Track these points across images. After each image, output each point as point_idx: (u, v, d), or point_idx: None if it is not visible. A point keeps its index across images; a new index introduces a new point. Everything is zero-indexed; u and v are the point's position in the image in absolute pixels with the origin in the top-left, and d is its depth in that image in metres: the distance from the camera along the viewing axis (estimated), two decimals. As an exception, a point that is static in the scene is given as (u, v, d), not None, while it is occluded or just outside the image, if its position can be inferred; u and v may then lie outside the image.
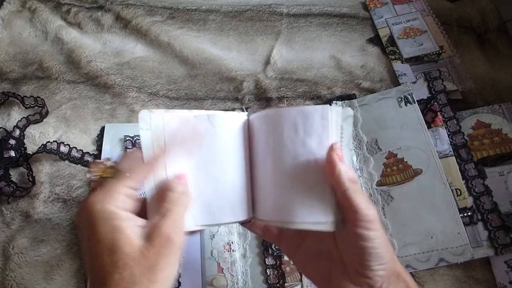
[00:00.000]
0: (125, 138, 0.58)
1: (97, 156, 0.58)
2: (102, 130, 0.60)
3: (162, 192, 0.32)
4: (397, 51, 0.67)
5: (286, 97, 0.64)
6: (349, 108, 0.35)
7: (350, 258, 0.33)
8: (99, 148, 0.58)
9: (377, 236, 0.31)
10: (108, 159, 0.52)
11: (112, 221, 0.28)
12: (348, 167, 0.32)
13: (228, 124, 0.37)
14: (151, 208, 0.32)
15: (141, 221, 0.30)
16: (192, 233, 0.36)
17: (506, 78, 0.63)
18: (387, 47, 0.68)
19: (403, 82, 0.63)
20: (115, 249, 0.28)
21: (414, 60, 0.65)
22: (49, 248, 0.52)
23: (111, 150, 0.58)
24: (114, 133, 0.59)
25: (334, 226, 0.33)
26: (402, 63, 0.65)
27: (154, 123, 0.34)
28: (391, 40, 0.68)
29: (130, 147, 0.57)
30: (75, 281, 0.50)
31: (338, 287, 0.34)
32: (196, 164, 0.35)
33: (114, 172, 0.33)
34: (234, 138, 0.37)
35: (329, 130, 0.33)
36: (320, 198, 0.33)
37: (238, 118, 0.38)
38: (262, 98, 0.64)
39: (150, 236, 0.29)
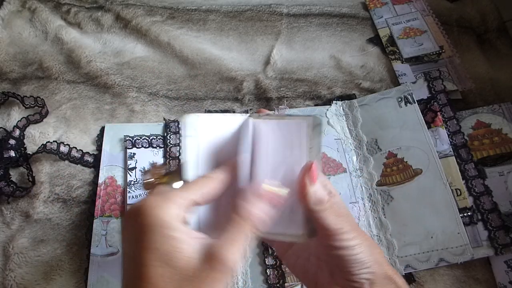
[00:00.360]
0: (125, 138, 0.58)
1: (97, 156, 0.58)
2: (102, 130, 0.60)
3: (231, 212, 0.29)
4: (397, 51, 0.67)
5: (286, 97, 0.64)
6: (318, 117, 0.34)
7: (331, 264, 0.33)
8: (99, 148, 0.58)
9: (351, 244, 0.31)
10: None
11: (168, 231, 0.26)
12: (317, 188, 0.31)
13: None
14: (215, 223, 0.31)
15: (196, 235, 0.28)
16: None
17: (506, 78, 0.63)
18: (387, 47, 0.68)
19: (403, 82, 0.63)
20: (167, 262, 0.26)
21: (414, 60, 0.65)
22: (49, 248, 0.52)
23: (111, 150, 0.58)
24: (114, 133, 0.59)
25: (303, 238, 0.33)
26: (402, 63, 0.65)
27: (202, 130, 0.32)
28: (391, 40, 0.68)
29: (130, 147, 0.57)
30: (75, 281, 0.50)
31: None
32: None
33: (175, 179, 0.31)
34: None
35: (302, 145, 0.32)
36: (292, 211, 0.33)
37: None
38: (262, 98, 0.64)
39: (207, 256, 0.27)
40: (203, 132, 0.32)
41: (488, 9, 0.70)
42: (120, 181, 0.55)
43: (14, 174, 0.56)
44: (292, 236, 0.33)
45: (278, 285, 0.50)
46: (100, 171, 0.56)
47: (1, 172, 0.55)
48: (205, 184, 0.30)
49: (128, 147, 0.57)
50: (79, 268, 0.51)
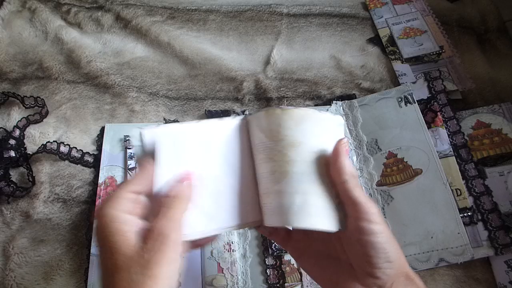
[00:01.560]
0: (125, 138, 0.58)
1: (97, 156, 0.58)
2: (102, 130, 0.60)
3: (159, 197, 0.33)
4: (397, 51, 0.67)
5: (286, 97, 0.64)
6: (340, 117, 0.35)
7: (356, 258, 0.33)
8: (99, 148, 0.58)
9: (380, 231, 0.31)
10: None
11: (113, 224, 0.30)
12: (350, 163, 0.33)
13: (222, 130, 0.37)
14: (151, 212, 0.33)
15: (142, 224, 0.31)
16: (196, 245, 0.37)
17: (506, 78, 0.63)
18: (387, 47, 0.68)
19: (403, 82, 0.63)
20: (114, 251, 0.29)
21: (414, 60, 0.65)
22: (49, 248, 0.52)
23: (111, 150, 0.58)
24: (114, 133, 0.59)
25: (337, 226, 0.33)
26: (402, 63, 0.65)
27: (146, 139, 0.35)
28: (391, 40, 0.68)
29: (130, 147, 0.57)
30: (75, 281, 0.50)
31: None
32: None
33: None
34: (228, 144, 0.37)
35: (334, 134, 0.35)
36: (323, 198, 0.33)
37: (231, 123, 0.38)
38: (262, 98, 0.64)
39: (145, 235, 0.30)
40: (152, 142, 0.35)
41: (488, 9, 0.70)
42: (120, 181, 0.55)
43: (14, 174, 0.56)
44: (324, 224, 0.33)
45: (278, 285, 0.50)
46: (100, 171, 0.56)
47: (1, 172, 0.55)
48: (143, 174, 0.33)
49: (128, 147, 0.57)
50: (79, 268, 0.51)
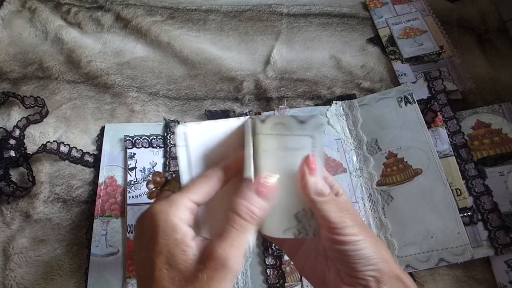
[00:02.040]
0: (125, 138, 0.58)
1: (97, 156, 0.58)
2: (102, 130, 0.60)
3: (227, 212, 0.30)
4: (397, 51, 0.67)
5: (286, 97, 0.64)
6: (320, 116, 0.35)
7: (337, 261, 0.33)
8: (99, 148, 0.58)
9: (354, 239, 0.31)
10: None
11: (175, 235, 0.28)
12: (317, 180, 0.32)
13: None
14: (212, 225, 0.32)
15: (200, 241, 0.29)
16: None
17: (506, 78, 0.63)
18: (387, 47, 0.68)
19: (403, 82, 0.63)
20: (172, 264, 0.27)
21: (414, 60, 0.65)
22: (49, 248, 0.52)
23: (111, 150, 0.58)
24: (114, 133, 0.59)
25: (310, 234, 0.34)
26: (402, 63, 0.65)
27: (191, 139, 0.34)
28: (391, 40, 0.68)
29: (130, 147, 0.57)
30: (74, 281, 0.50)
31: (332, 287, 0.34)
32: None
33: (175, 186, 0.33)
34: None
35: (306, 142, 0.33)
36: (281, 207, 0.34)
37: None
38: (262, 98, 0.64)
39: (204, 256, 0.28)
40: (193, 140, 0.33)
41: (488, 9, 0.70)
42: (120, 181, 0.55)
43: (14, 174, 0.56)
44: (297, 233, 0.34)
45: (278, 285, 0.50)
46: (100, 171, 0.56)
47: (1, 172, 0.55)
48: (203, 183, 0.31)
49: (128, 147, 0.57)
50: (79, 268, 0.51)
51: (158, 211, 0.29)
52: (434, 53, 0.65)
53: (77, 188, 0.56)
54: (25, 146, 0.58)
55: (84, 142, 0.59)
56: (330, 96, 0.63)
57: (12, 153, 0.56)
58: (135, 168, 0.56)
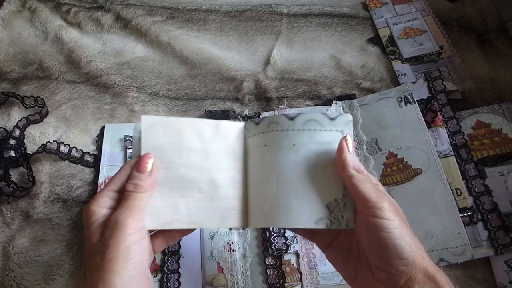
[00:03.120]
0: (125, 138, 0.58)
1: (97, 156, 0.58)
2: (102, 130, 0.60)
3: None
4: (397, 51, 0.67)
5: (286, 97, 0.64)
6: (349, 115, 0.37)
7: (368, 253, 0.33)
8: (99, 148, 0.58)
9: (390, 226, 0.31)
10: None
11: (93, 218, 0.34)
12: (355, 158, 0.34)
13: (225, 132, 0.39)
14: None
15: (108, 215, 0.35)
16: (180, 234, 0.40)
17: (506, 78, 0.63)
18: (387, 47, 0.68)
19: (403, 82, 0.63)
20: (86, 242, 0.33)
21: (414, 60, 0.65)
22: (49, 248, 0.52)
23: (111, 150, 0.58)
24: (114, 133, 0.59)
25: (343, 225, 0.34)
26: (402, 63, 0.65)
27: (141, 127, 0.37)
28: (391, 40, 0.68)
29: (130, 147, 0.57)
30: (74, 281, 0.50)
31: (364, 283, 0.34)
32: (175, 168, 0.37)
33: None
34: (222, 147, 0.39)
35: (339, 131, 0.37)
36: (300, 198, 0.35)
37: (233, 126, 0.40)
38: (262, 98, 0.64)
39: (106, 225, 0.33)
40: (146, 134, 0.37)
41: (488, 9, 0.70)
42: None
43: (14, 174, 0.56)
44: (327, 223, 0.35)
45: (278, 285, 0.50)
46: (100, 171, 0.56)
47: (1, 172, 0.55)
48: (121, 174, 0.36)
49: (128, 147, 0.57)
50: (79, 268, 0.51)
51: (89, 203, 0.35)
52: (434, 53, 0.65)
53: (77, 188, 0.56)
54: (25, 146, 0.58)
55: (84, 142, 0.59)
56: (330, 96, 0.63)
57: (12, 153, 0.56)
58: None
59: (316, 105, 0.63)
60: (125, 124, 0.60)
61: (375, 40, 0.70)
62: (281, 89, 0.64)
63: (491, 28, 0.69)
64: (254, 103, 0.63)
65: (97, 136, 0.60)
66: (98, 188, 0.55)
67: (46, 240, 0.52)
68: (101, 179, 0.55)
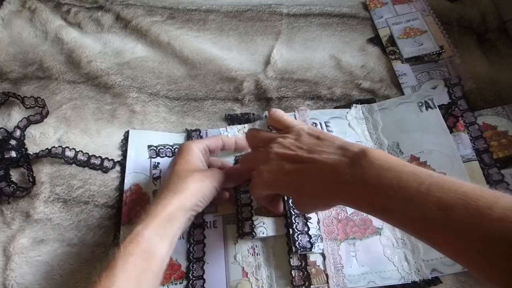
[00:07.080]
0: (149, 148, 0.58)
1: (121, 162, 0.57)
2: (127, 135, 0.59)
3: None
4: (397, 51, 0.67)
5: (286, 97, 0.63)
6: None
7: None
8: (124, 153, 0.58)
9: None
10: None
11: (193, 150, 0.48)
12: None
13: None
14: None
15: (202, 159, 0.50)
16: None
17: (506, 78, 0.62)
18: (387, 47, 0.68)
19: (403, 82, 0.63)
20: (184, 162, 0.47)
21: (414, 60, 0.65)
22: (49, 248, 0.52)
23: (136, 156, 0.57)
24: (139, 139, 0.58)
25: None
26: (402, 63, 0.65)
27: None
28: (391, 40, 0.68)
29: (154, 156, 0.57)
30: (75, 281, 0.50)
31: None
32: None
33: None
34: None
35: None
36: None
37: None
38: (262, 98, 0.64)
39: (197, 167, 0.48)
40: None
41: (488, 9, 0.70)
42: (144, 188, 0.55)
43: (14, 174, 0.56)
44: None
45: (303, 287, 0.48)
46: (125, 178, 0.55)
47: (2, 173, 0.55)
48: (215, 140, 0.52)
49: (152, 156, 0.57)
50: (79, 268, 0.51)
51: (188, 142, 0.49)
52: (434, 53, 0.65)
53: (77, 188, 0.56)
54: (25, 146, 0.58)
55: (84, 142, 0.59)
56: (330, 96, 0.63)
57: (13, 154, 0.56)
58: (159, 177, 0.55)
59: (336, 107, 0.62)
60: (150, 132, 0.60)
61: (375, 40, 0.70)
62: (281, 89, 0.64)
63: (491, 28, 0.69)
64: (254, 103, 0.63)
65: (122, 141, 0.59)
66: (124, 195, 0.54)
67: (47, 240, 0.52)
68: (126, 186, 0.54)
